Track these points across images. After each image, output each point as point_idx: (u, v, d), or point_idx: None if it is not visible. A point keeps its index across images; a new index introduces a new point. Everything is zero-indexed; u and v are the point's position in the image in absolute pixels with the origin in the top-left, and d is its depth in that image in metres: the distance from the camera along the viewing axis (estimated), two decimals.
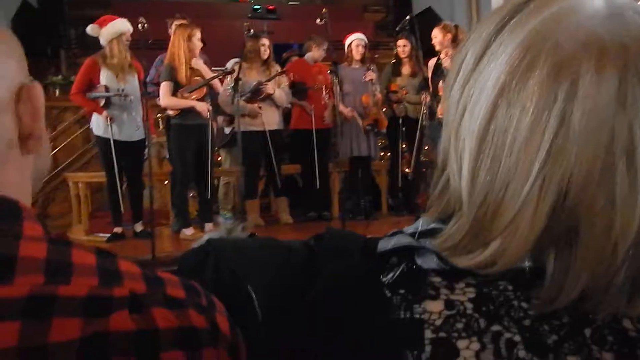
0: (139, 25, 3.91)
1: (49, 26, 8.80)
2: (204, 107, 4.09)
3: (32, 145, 0.47)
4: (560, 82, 0.38)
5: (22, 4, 8.57)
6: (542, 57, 0.39)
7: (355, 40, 4.86)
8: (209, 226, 4.26)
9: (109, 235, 4.33)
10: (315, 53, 4.87)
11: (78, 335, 0.36)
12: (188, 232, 4.19)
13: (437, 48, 4.54)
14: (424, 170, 4.80)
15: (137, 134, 4.18)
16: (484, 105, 0.42)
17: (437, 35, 4.49)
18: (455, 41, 4.46)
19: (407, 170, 5.08)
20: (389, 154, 5.33)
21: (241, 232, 1.10)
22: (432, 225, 0.47)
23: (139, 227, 4.35)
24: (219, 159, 5.19)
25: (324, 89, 4.77)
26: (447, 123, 0.46)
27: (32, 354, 0.35)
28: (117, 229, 4.30)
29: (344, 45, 4.99)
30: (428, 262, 0.45)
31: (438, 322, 0.43)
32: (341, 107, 4.58)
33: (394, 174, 5.03)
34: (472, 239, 0.42)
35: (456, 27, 4.62)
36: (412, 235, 0.47)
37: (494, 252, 0.41)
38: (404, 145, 5.08)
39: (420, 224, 0.49)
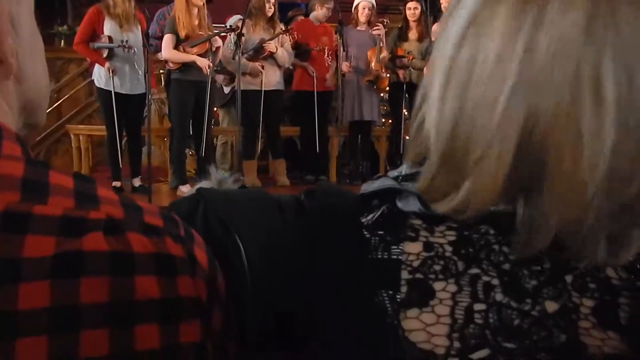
0: None
1: None
2: (204, 63, 4.06)
3: (4, 72, 0.43)
4: (528, 9, 0.37)
5: None
6: None
7: (362, 2, 4.76)
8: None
9: None
10: (319, 12, 4.77)
11: (51, 252, 0.36)
12: (185, 189, 4.23)
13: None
14: None
15: (139, 87, 4.16)
16: (453, 36, 0.41)
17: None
18: None
19: (407, 137, 5.04)
20: (390, 120, 5.28)
21: (232, 184, 1.11)
22: (415, 169, 0.46)
23: (137, 182, 4.40)
24: (219, 117, 5.18)
25: (326, 50, 4.69)
26: (432, 59, 0.44)
27: (5, 267, 0.35)
28: (116, 183, 4.34)
29: (351, 6, 4.89)
30: (409, 205, 0.44)
31: (415, 264, 0.42)
32: (344, 66, 4.52)
33: (395, 141, 5.00)
34: (444, 177, 0.41)
35: None
36: (396, 178, 0.47)
37: (465, 194, 0.40)
38: (406, 112, 5.04)
39: (404, 168, 0.48)
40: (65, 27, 7.26)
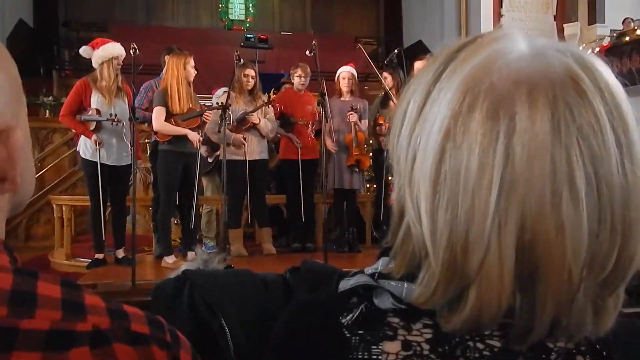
0: (131, 50, 3.93)
1: (43, 47, 8.87)
2: (195, 137, 4.12)
3: (7, 188, 0.46)
4: (500, 120, 0.40)
5: (19, 23, 8.66)
6: (480, 98, 0.41)
7: (343, 73, 4.91)
8: (191, 254, 4.23)
9: (90, 260, 4.30)
10: (294, 81, 4.90)
11: None
12: (169, 259, 4.16)
13: None
14: None
15: (125, 159, 4.18)
16: (432, 150, 0.43)
17: (419, 69, 4.56)
18: None
19: (391, 202, 5.10)
20: (374, 185, 5.36)
21: (218, 263, 1.09)
22: (394, 268, 0.47)
23: (120, 254, 4.31)
24: (203, 185, 5.19)
25: (310, 124, 4.80)
26: (399, 172, 0.47)
27: None
28: (99, 255, 4.25)
29: (334, 76, 5.04)
30: (385, 302, 0.46)
31: None
32: (327, 142, 4.60)
33: (380, 206, 5.04)
34: (446, 285, 0.42)
35: None
36: (372, 275, 0.48)
37: (474, 302, 0.41)
38: (389, 177, 5.12)
39: (381, 264, 0.49)
40: (50, 97, 7.36)
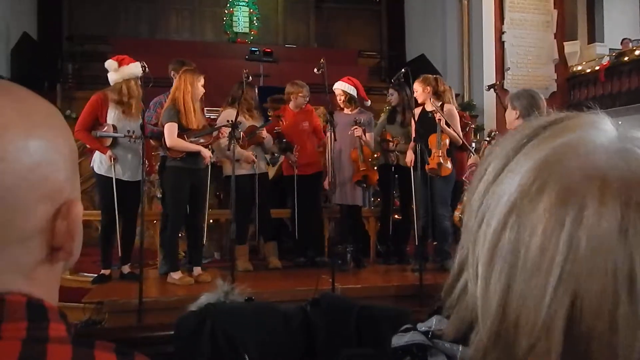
0: (141, 67, 3.90)
1: (47, 60, 8.88)
2: (208, 154, 4.13)
3: (62, 257, 0.48)
4: (567, 209, 0.41)
5: (23, 36, 8.69)
6: (550, 182, 0.42)
7: (336, 90, 4.85)
8: (197, 270, 4.22)
9: (95, 275, 4.27)
10: (296, 102, 4.90)
11: None
12: (176, 275, 4.13)
13: (420, 100, 4.62)
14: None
15: (140, 174, 4.14)
16: (496, 218, 0.44)
17: (417, 89, 4.60)
18: (436, 93, 4.57)
19: (396, 216, 5.10)
20: (379, 199, 5.35)
21: (238, 295, 1.08)
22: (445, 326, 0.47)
23: (126, 269, 4.29)
24: None
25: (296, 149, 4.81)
26: (467, 228, 0.48)
27: None
28: (105, 271, 4.23)
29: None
30: None
31: None
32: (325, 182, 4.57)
33: (385, 222, 5.03)
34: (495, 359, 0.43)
35: (436, 79, 4.71)
36: (425, 333, 0.48)
37: None
38: (395, 192, 5.12)
39: (434, 323, 0.50)
40: None
